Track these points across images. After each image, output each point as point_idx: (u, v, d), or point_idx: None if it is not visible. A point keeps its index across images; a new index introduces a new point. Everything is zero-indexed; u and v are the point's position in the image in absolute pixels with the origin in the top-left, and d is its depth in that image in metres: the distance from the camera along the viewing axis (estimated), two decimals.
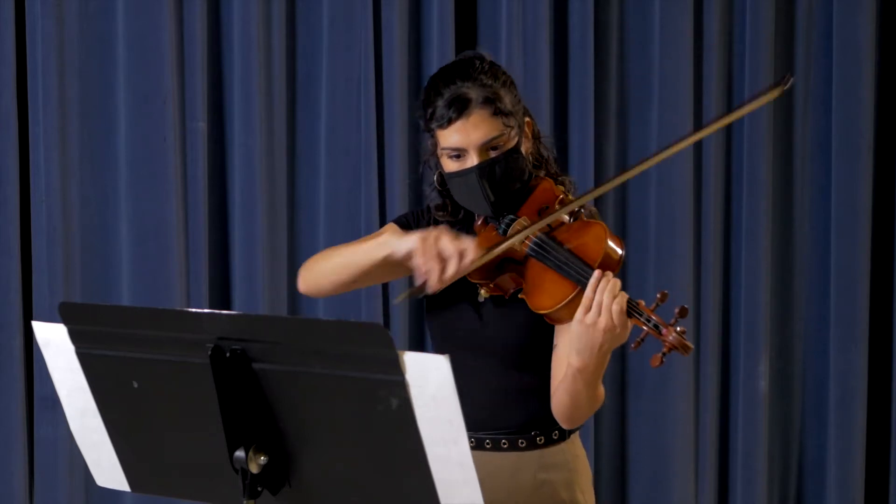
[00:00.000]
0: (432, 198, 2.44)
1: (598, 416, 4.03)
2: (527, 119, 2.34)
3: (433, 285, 2.17)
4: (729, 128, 4.10)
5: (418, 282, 2.19)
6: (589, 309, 2.12)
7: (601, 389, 2.28)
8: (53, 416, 3.61)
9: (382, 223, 3.80)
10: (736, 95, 4.09)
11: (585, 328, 2.13)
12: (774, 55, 4.07)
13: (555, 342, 2.32)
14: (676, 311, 2.10)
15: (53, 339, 1.99)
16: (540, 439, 2.35)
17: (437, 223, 2.40)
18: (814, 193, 4.15)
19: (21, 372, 3.64)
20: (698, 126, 4.05)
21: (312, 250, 3.82)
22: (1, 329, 3.63)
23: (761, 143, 4.05)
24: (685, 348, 2.10)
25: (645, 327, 2.12)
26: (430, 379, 1.75)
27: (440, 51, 3.77)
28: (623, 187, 4.06)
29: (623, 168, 4.06)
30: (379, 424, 1.81)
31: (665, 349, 2.12)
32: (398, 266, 2.27)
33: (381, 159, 3.81)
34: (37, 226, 3.63)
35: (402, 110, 3.80)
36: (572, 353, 2.17)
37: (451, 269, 2.16)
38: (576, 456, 2.40)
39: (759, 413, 4.11)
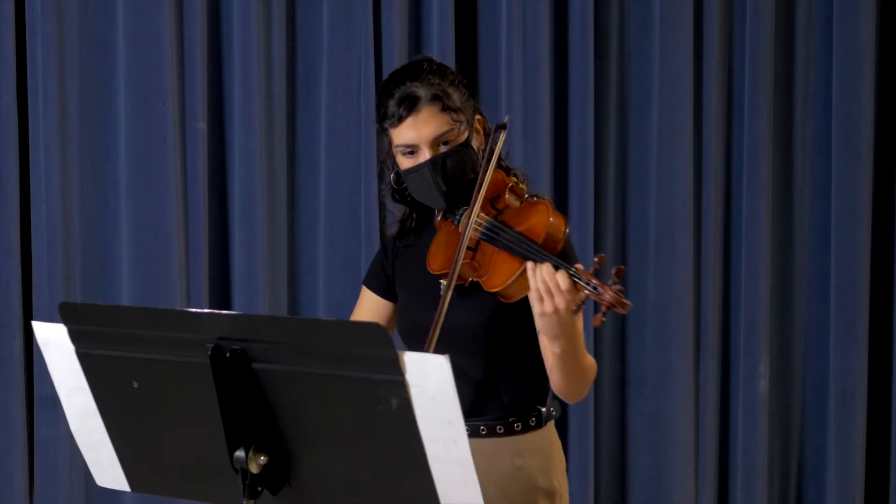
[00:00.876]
0: (389, 204, 2.53)
1: (598, 416, 4.03)
2: (477, 116, 2.44)
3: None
4: (729, 128, 4.10)
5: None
6: (541, 298, 2.18)
7: (589, 358, 2.34)
8: (53, 416, 3.61)
9: (382, 223, 3.80)
10: (736, 95, 4.09)
11: (548, 318, 2.19)
12: (774, 55, 4.07)
13: (537, 328, 2.35)
14: (613, 271, 2.17)
15: (53, 339, 1.99)
16: (517, 426, 2.40)
17: (396, 247, 2.52)
18: (814, 193, 4.15)
19: (21, 372, 3.64)
20: (698, 126, 4.05)
21: (312, 250, 3.82)
22: (1, 329, 3.63)
23: (761, 143, 4.05)
24: (622, 305, 2.16)
25: (586, 290, 2.18)
26: (430, 379, 1.75)
27: (440, 51, 3.77)
28: (623, 187, 4.06)
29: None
30: (379, 424, 1.81)
31: (604, 307, 2.17)
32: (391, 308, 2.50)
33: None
34: (37, 226, 3.63)
35: None
36: (550, 342, 2.24)
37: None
38: (552, 443, 2.45)
39: (759, 413, 4.11)
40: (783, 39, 4.11)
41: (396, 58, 3.77)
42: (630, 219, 4.05)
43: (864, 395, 4.15)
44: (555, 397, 2.43)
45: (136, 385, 1.96)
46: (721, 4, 4.04)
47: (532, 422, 2.41)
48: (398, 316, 2.50)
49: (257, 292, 3.74)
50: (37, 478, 3.68)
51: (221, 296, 3.79)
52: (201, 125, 3.70)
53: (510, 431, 2.39)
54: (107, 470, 2.08)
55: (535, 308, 2.20)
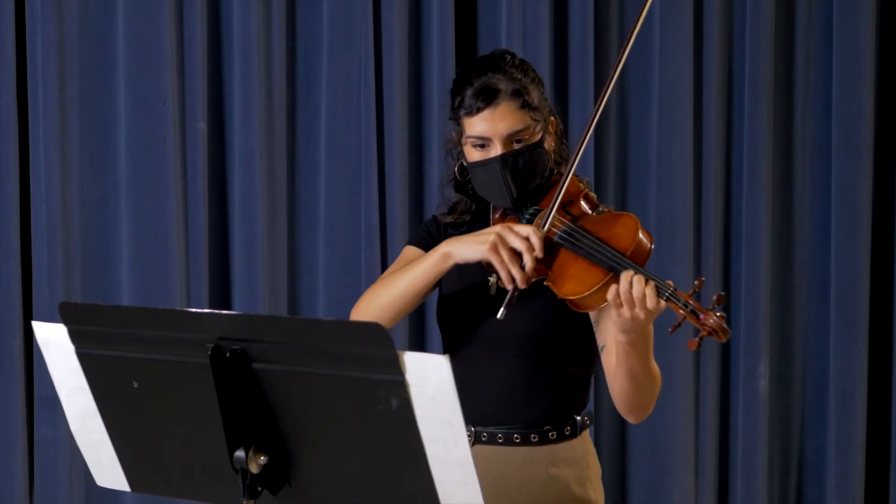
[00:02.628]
0: (447, 193, 2.46)
1: (598, 416, 4.03)
2: (552, 118, 2.40)
3: (522, 283, 2.21)
4: (729, 128, 4.11)
5: (507, 286, 2.21)
6: (623, 303, 2.14)
7: (656, 367, 2.29)
8: (53, 416, 3.61)
9: (382, 223, 3.80)
10: (736, 95, 4.09)
11: (625, 321, 2.15)
12: (774, 55, 4.07)
13: (601, 343, 2.34)
14: (714, 297, 2.14)
15: (53, 339, 1.99)
16: (552, 434, 2.36)
17: (446, 229, 2.45)
18: (814, 193, 4.15)
19: (21, 372, 3.64)
20: (698, 126, 4.05)
21: (312, 250, 3.82)
22: (1, 329, 3.63)
23: (761, 143, 4.05)
24: (724, 332, 2.13)
25: (682, 312, 2.14)
26: (430, 379, 1.75)
27: (440, 51, 3.77)
28: (623, 187, 4.06)
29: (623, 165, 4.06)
30: (379, 424, 1.81)
31: (703, 333, 2.13)
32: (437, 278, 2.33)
33: (381, 159, 3.81)
34: (37, 226, 3.63)
35: (402, 110, 3.80)
36: (617, 332, 2.19)
37: (529, 261, 2.21)
38: (587, 452, 2.42)
39: (759, 413, 4.11)
40: (783, 39, 4.11)
41: (396, 58, 3.77)
42: None
43: (864, 395, 4.15)
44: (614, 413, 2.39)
45: (136, 385, 1.96)
46: (721, 5, 4.04)
47: (567, 431, 2.38)
48: (442, 306, 2.42)
49: (257, 292, 3.74)
50: (37, 478, 3.68)
51: (221, 296, 3.79)
52: (201, 125, 3.70)
53: (545, 440, 2.36)
54: (107, 470, 2.08)
55: (613, 311, 2.15)
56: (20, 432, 3.65)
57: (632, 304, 2.13)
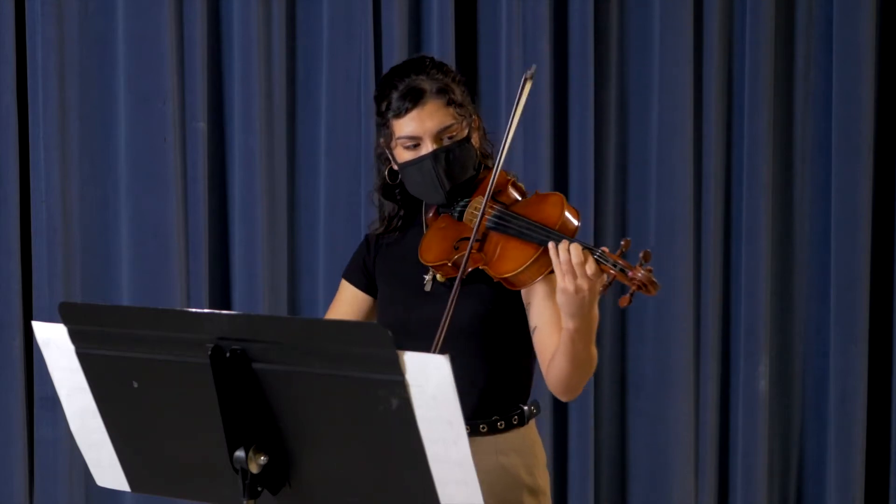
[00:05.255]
0: (376, 200, 2.53)
1: (598, 416, 4.03)
2: (475, 116, 2.46)
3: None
4: (729, 128, 4.10)
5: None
6: (564, 275, 2.18)
7: (595, 350, 2.33)
8: (53, 416, 3.61)
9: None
10: (736, 95, 4.09)
11: (569, 296, 2.18)
12: (774, 55, 4.07)
13: (532, 325, 2.38)
14: (641, 254, 2.19)
15: (53, 339, 1.99)
16: (500, 424, 2.40)
17: (379, 242, 2.52)
18: (814, 193, 4.15)
19: (21, 372, 3.64)
20: (698, 126, 4.05)
21: (312, 250, 3.82)
22: (1, 329, 3.63)
23: (761, 143, 4.05)
24: (653, 285, 2.18)
25: (612, 271, 2.19)
26: (430, 379, 1.75)
27: (440, 51, 3.77)
28: (623, 187, 4.06)
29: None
30: (379, 424, 1.81)
31: (633, 289, 2.18)
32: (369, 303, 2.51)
33: None
34: (37, 226, 3.63)
35: None
36: (565, 318, 2.22)
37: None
38: (534, 441, 2.46)
39: (759, 413, 4.11)
40: (783, 39, 4.11)
41: (396, 58, 3.77)
42: (630, 219, 4.05)
43: (864, 395, 4.15)
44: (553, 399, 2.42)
45: (136, 385, 1.96)
46: (721, 5, 4.04)
47: (515, 420, 2.42)
48: (379, 310, 2.50)
49: (257, 292, 3.74)
50: (37, 478, 3.68)
51: (221, 296, 3.79)
52: (201, 125, 3.70)
53: (493, 430, 2.40)
54: (107, 470, 2.08)
55: (559, 283, 2.19)
56: (20, 432, 3.65)
57: (573, 273, 2.17)
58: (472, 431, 2.37)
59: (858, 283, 4.11)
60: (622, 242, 2.22)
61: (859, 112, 4.07)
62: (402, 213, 2.51)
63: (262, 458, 1.89)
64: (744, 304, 4.09)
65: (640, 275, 2.17)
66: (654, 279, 2.18)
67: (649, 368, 4.06)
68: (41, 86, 3.60)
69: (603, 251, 2.20)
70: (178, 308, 3.67)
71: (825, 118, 4.12)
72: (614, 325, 4.06)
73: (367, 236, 2.57)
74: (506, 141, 2.33)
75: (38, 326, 2.01)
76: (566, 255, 2.18)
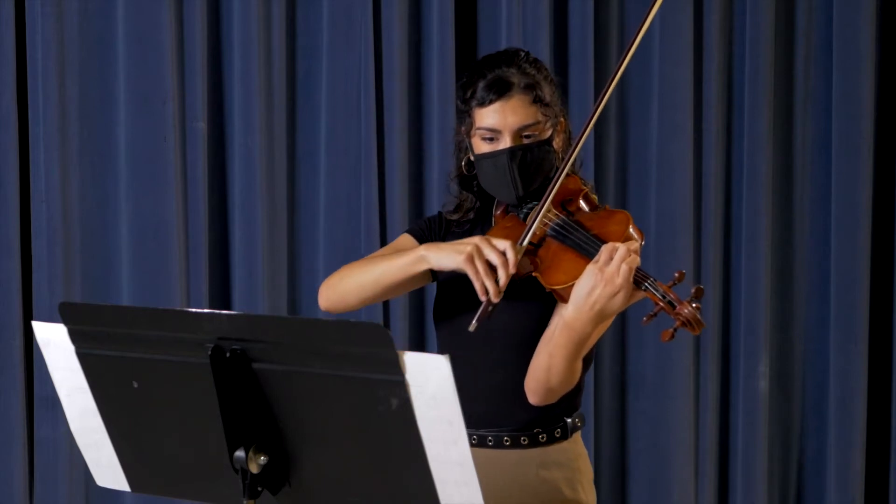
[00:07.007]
0: (453, 188, 2.47)
1: (598, 417, 4.03)
2: (562, 119, 2.40)
3: (495, 296, 2.21)
4: (729, 127, 4.11)
5: (481, 297, 2.22)
6: (603, 256, 2.15)
7: (579, 365, 2.28)
8: (53, 416, 3.61)
9: (382, 223, 3.80)
10: (736, 95, 4.09)
11: (593, 270, 2.15)
12: (774, 55, 4.07)
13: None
14: (693, 290, 2.14)
15: (53, 339, 1.99)
16: (542, 437, 2.36)
17: (450, 227, 2.46)
18: (814, 193, 4.15)
19: (21, 372, 3.64)
20: (698, 126, 4.05)
21: (312, 250, 3.82)
22: (1, 329, 3.63)
23: (761, 143, 4.05)
24: (698, 324, 2.12)
25: (660, 303, 2.14)
26: (430, 379, 1.75)
27: (440, 51, 3.77)
28: (623, 187, 4.06)
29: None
30: (379, 424, 1.81)
31: (677, 324, 2.13)
32: (422, 279, 2.35)
33: (381, 159, 3.81)
34: (37, 226, 3.63)
35: (402, 110, 3.80)
36: (568, 307, 2.19)
37: (503, 276, 2.21)
38: (578, 454, 2.41)
39: (759, 413, 4.11)
40: (783, 39, 4.11)
41: (396, 58, 3.77)
42: None
43: (864, 395, 4.15)
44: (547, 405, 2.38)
45: (136, 385, 1.96)
46: (721, 5, 4.04)
47: (557, 433, 2.37)
48: (440, 318, 2.44)
49: (257, 292, 3.74)
50: (37, 478, 3.68)
51: (221, 296, 3.79)
52: (201, 125, 3.70)
53: (535, 443, 2.36)
54: (107, 470, 2.08)
55: (588, 266, 2.16)
56: (20, 432, 3.65)
57: (609, 255, 2.14)
58: (513, 444, 2.35)
59: (858, 283, 4.11)
60: (676, 274, 2.16)
61: (859, 112, 4.07)
62: (478, 204, 2.45)
63: (262, 458, 1.89)
64: (744, 303, 4.09)
65: (686, 311, 2.12)
66: (699, 318, 2.12)
67: (649, 369, 4.06)
68: (41, 86, 3.59)
69: (654, 280, 2.15)
70: (178, 308, 3.67)
71: (825, 118, 4.12)
72: (614, 326, 4.05)
73: (441, 213, 2.49)
74: (573, 151, 2.28)
75: (38, 326, 2.01)
76: (609, 258, 2.14)
